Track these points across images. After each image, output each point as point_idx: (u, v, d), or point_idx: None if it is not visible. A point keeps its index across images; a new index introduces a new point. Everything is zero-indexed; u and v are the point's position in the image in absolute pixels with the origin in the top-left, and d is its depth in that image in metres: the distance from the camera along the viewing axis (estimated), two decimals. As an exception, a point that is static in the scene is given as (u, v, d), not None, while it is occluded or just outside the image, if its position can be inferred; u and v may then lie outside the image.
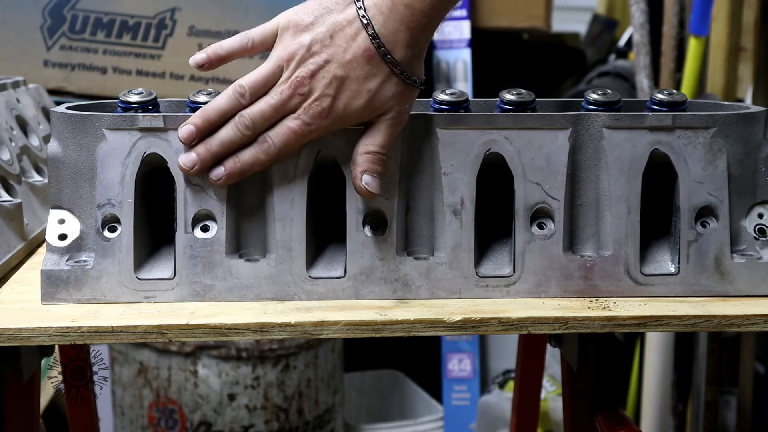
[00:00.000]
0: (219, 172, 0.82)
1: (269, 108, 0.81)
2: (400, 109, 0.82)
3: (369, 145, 0.82)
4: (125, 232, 0.83)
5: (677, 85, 1.94)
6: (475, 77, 2.19)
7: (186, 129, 0.81)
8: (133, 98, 0.86)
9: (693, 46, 1.87)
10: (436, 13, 0.80)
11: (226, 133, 0.81)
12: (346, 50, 0.80)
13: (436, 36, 2.16)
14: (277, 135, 0.81)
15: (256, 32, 0.83)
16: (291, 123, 0.81)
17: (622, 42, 2.75)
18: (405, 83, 0.81)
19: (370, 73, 0.80)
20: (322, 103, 0.80)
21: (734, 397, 2.15)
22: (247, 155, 0.82)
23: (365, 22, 0.79)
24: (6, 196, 0.97)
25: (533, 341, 1.26)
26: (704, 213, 0.86)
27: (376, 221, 0.85)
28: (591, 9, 3.26)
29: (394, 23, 0.79)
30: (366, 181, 0.82)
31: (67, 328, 0.77)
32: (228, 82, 1.88)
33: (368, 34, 0.79)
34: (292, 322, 0.79)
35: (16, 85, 1.20)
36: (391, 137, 0.83)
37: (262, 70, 0.81)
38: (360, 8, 0.79)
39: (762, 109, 0.89)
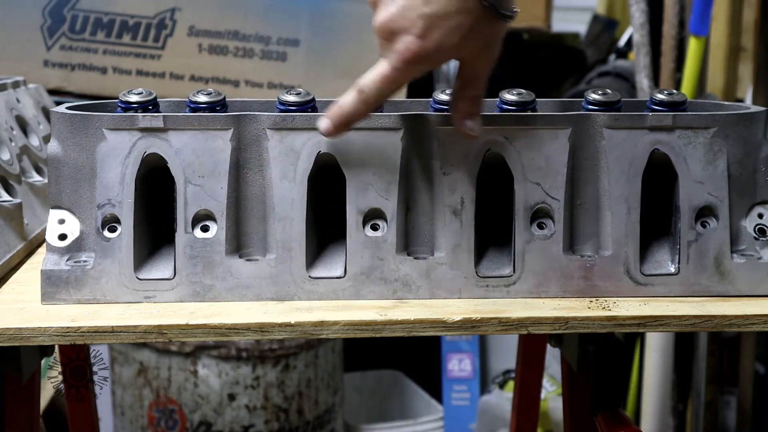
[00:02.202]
0: (323, 122, 0.81)
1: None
2: (492, 45, 0.80)
3: (466, 89, 0.81)
4: (125, 232, 0.82)
5: (677, 85, 1.93)
6: (475, 77, 2.19)
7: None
8: (133, 98, 0.86)
9: (693, 46, 1.87)
10: None
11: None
12: None
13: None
14: (372, 82, 0.79)
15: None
16: (381, 68, 0.78)
17: (622, 42, 2.75)
18: (495, 17, 0.77)
19: (460, 9, 0.75)
20: (410, 46, 0.76)
21: (734, 397, 2.15)
22: (348, 103, 0.80)
23: None
24: (6, 196, 0.97)
25: (533, 341, 1.26)
26: (704, 213, 0.86)
27: (376, 221, 0.85)
28: (591, 9, 3.25)
29: None
30: (469, 126, 0.82)
31: (67, 328, 0.77)
32: (228, 81, 1.88)
33: None
34: (292, 322, 0.79)
35: (16, 85, 1.20)
36: (486, 75, 0.81)
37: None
38: None
39: (762, 109, 0.89)
